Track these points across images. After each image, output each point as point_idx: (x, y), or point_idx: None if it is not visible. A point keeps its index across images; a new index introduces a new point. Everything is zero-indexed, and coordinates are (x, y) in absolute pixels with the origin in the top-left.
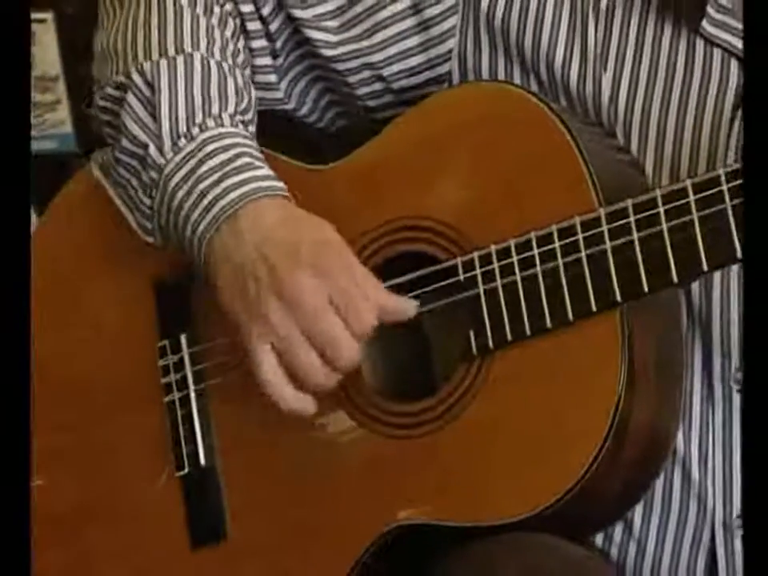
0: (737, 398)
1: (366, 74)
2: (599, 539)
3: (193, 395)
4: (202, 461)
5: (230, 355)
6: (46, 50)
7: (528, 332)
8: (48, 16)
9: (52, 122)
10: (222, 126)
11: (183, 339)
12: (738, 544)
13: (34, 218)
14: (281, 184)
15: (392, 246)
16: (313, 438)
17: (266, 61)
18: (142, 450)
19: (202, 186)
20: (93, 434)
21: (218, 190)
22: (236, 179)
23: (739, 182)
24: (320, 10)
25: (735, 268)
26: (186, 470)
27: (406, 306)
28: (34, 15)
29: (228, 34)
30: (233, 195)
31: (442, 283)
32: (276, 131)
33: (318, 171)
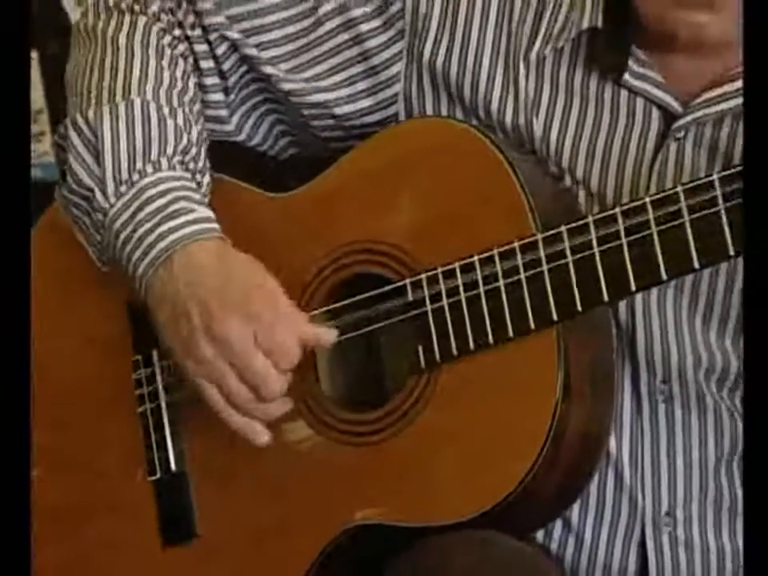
0: (662, 408)
1: (319, 111)
2: (540, 536)
3: (164, 405)
4: (173, 466)
5: None
6: (32, 85)
7: (472, 347)
8: (33, 55)
9: (39, 153)
10: (161, 170)
11: (155, 354)
12: (665, 539)
13: None
14: (213, 225)
15: (349, 268)
16: (276, 445)
17: (218, 97)
18: (119, 456)
19: (140, 231)
20: (74, 441)
21: (154, 235)
22: (171, 224)
23: (665, 210)
24: (274, 52)
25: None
26: (158, 475)
27: (327, 336)
28: None
29: (178, 73)
30: (168, 240)
31: (394, 302)
32: (241, 162)
33: (279, 198)
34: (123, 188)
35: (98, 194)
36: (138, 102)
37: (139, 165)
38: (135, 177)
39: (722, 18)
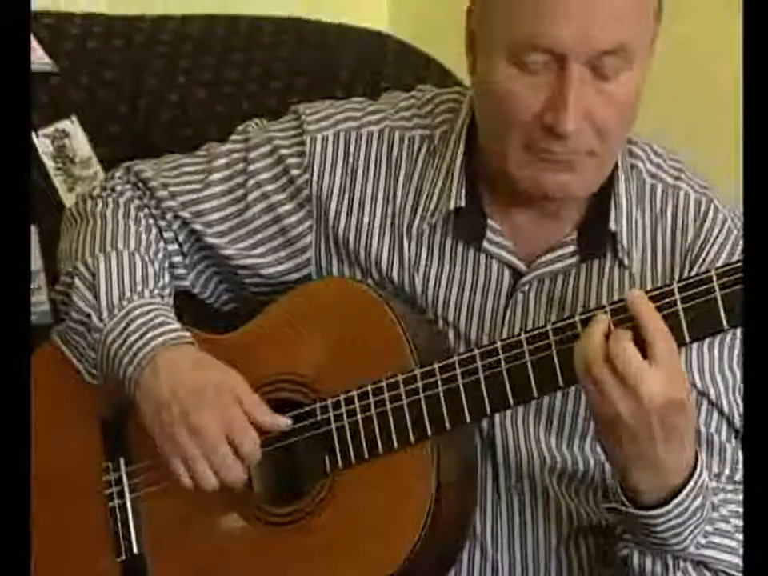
0: (515, 499)
1: (249, 272)
2: None
3: (128, 502)
4: (135, 550)
5: (155, 472)
6: (32, 252)
7: (366, 456)
8: (33, 229)
9: (35, 302)
10: (144, 297)
11: (121, 460)
12: None
13: None
14: (188, 335)
15: (273, 393)
16: (216, 533)
17: (177, 259)
18: (94, 541)
19: (130, 340)
20: (58, 530)
21: (141, 342)
22: (154, 333)
23: (512, 352)
24: (215, 229)
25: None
26: (124, 557)
27: (282, 422)
28: None
29: (151, 238)
30: (152, 345)
31: (307, 421)
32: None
33: (220, 339)
34: (116, 311)
35: (95, 318)
36: (125, 252)
37: (128, 294)
38: (125, 303)
39: (580, 177)
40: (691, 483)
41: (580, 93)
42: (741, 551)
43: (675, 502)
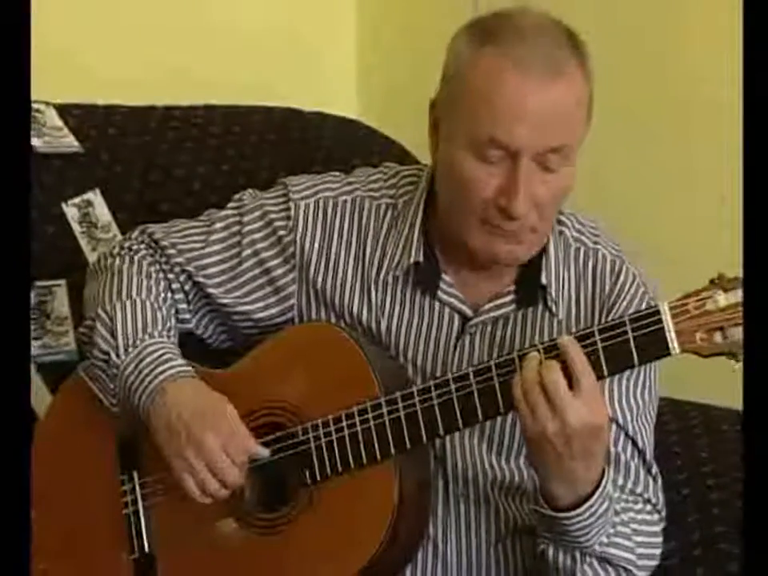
0: (462, 506)
1: (243, 316)
2: None
3: (141, 508)
4: (146, 549)
5: (164, 484)
6: (61, 302)
7: (340, 470)
8: (62, 282)
9: (64, 343)
10: (154, 338)
11: (135, 473)
12: None
13: (49, 397)
14: (190, 369)
15: (263, 417)
16: (214, 536)
17: (183, 306)
18: (111, 542)
19: (143, 373)
20: (78, 533)
21: (151, 376)
22: (163, 368)
23: (462, 383)
24: (214, 280)
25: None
26: (137, 555)
27: (264, 452)
28: (53, 282)
29: (160, 288)
30: (161, 378)
31: (290, 441)
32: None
33: (220, 373)
34: (130, 349)
35: (113, 356)
36: (138, 300)
37: (140, 335)
38: (138, 342)
39: (524, 247)
40: (599, 491)
41: (528, 182)
42: (637, 550)
43: (585, 506)
